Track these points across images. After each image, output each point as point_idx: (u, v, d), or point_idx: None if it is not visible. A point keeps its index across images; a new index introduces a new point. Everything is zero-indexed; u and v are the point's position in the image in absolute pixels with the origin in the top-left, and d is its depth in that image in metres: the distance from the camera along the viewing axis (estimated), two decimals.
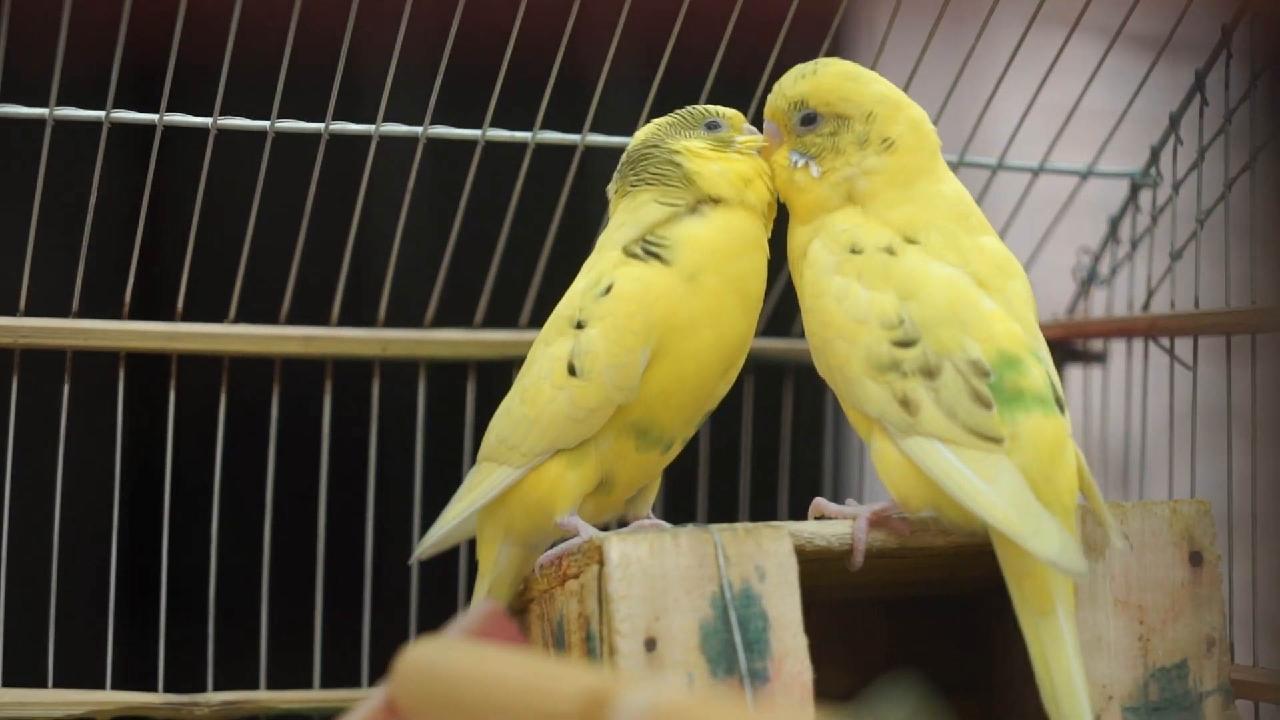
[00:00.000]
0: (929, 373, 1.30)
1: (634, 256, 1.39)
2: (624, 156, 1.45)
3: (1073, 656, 1.27)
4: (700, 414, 1.41)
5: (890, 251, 1.33)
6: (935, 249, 1.34)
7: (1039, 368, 1.32)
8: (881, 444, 1.32)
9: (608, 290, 1.38)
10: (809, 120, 1.37)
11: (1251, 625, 1.49)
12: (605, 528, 1.40)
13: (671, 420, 1.39)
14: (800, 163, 1.38)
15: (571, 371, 1.38)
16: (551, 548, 1.39)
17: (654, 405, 1.38)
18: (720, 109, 1.44)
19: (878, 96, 1.36)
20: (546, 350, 1.41)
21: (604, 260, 1.41)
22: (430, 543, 1.46)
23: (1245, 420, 1.49)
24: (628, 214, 1.42)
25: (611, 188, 1.45)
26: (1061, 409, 1.32)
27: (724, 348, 1.39)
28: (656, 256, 1.38)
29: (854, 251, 1.34)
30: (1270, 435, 1.22)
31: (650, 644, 1.27)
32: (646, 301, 1.37)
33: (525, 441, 1.40)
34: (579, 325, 1.39)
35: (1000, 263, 1.35)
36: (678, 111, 1.44)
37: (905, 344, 1.31)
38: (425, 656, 1.19)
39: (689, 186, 1.41)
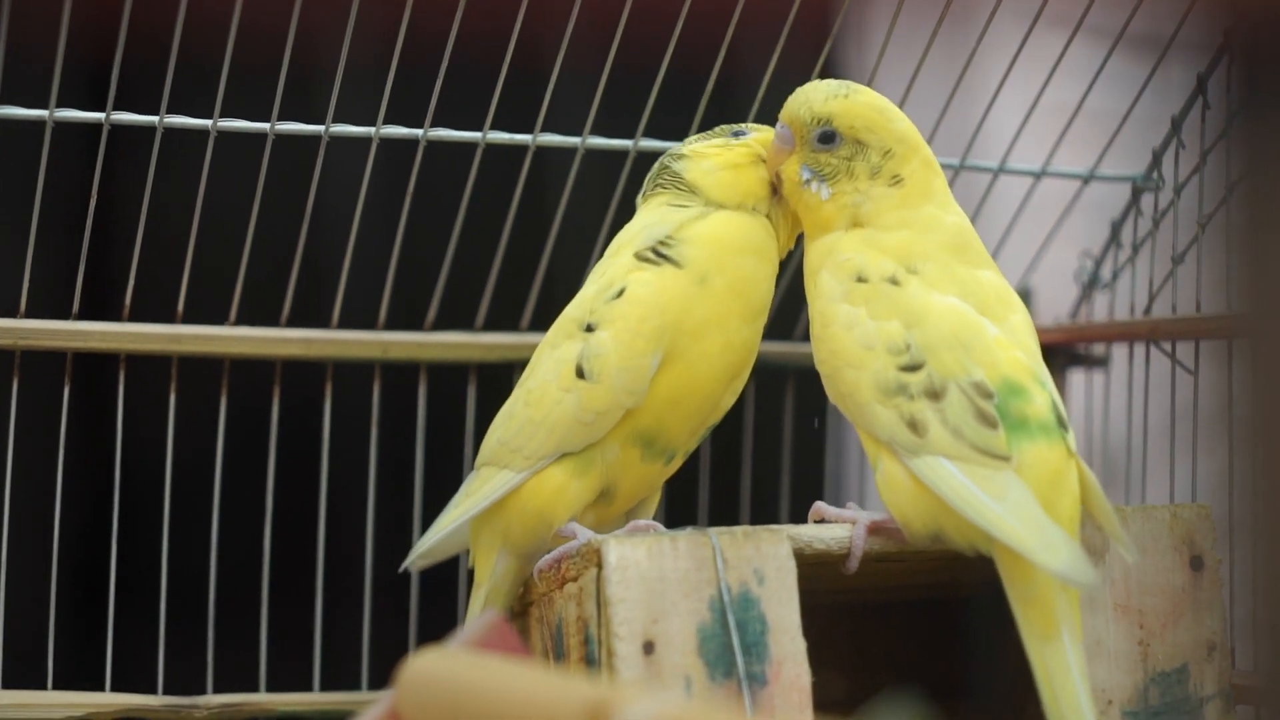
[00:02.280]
0: (934, 394, 1.31)
1: (647, 261, 1.40)
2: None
3: (1079, 680, 1.27)
4: (705, 426, 1.42)
5: (894, 282, 1.35)
6: (933, 280, 1.35)
7: (1043, 394, 1.33)
8: (888, 467, 1.33)
9: (620, 294, 1.39)
10: (828, 138, 1.38)
11: (1253, 629, 1.49)
12: None
13: (678, 429, 1.40)
14: (811, 181, 1.39)
15: (580, 374, 1.38)
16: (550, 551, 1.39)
17: (662, 413, 1.38)
18: (755, 125, 1.46)
19: (899, 135, 1.38)
20: (553, 353, 1.41)
21: (616, 265, 1.41)
22: (424, 548, 1.46)
23: (1247, 424, 1.49)
24: (642, 220, 1.44)
25: (640, 197, 1.48)
26: (1065, 428, 1.32)
27: (731, 354, 1.40)
28: (669, 259, 1.39)
29: (860, 280, 1.36)
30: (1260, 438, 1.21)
31: (648, 647, 1.27)
32: (659, 306, 1.38)
33: (529, 445, 1.40)
34: (589, 329, 1.39)
35: (1000, 295, 1.37)
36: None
37: (911, 368, 1.32)
38: (428, 667, 1.19)
39: (695, 193, 1.43)
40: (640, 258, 1.40)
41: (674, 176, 1.44)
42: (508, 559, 1.42)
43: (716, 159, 1.43)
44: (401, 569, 1.50)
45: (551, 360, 1.41)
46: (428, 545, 1.46)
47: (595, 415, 1.38)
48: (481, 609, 1.43)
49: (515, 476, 1.40)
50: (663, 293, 1.38)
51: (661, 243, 1.40)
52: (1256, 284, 1.00)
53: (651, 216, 1.43)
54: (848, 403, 1.36)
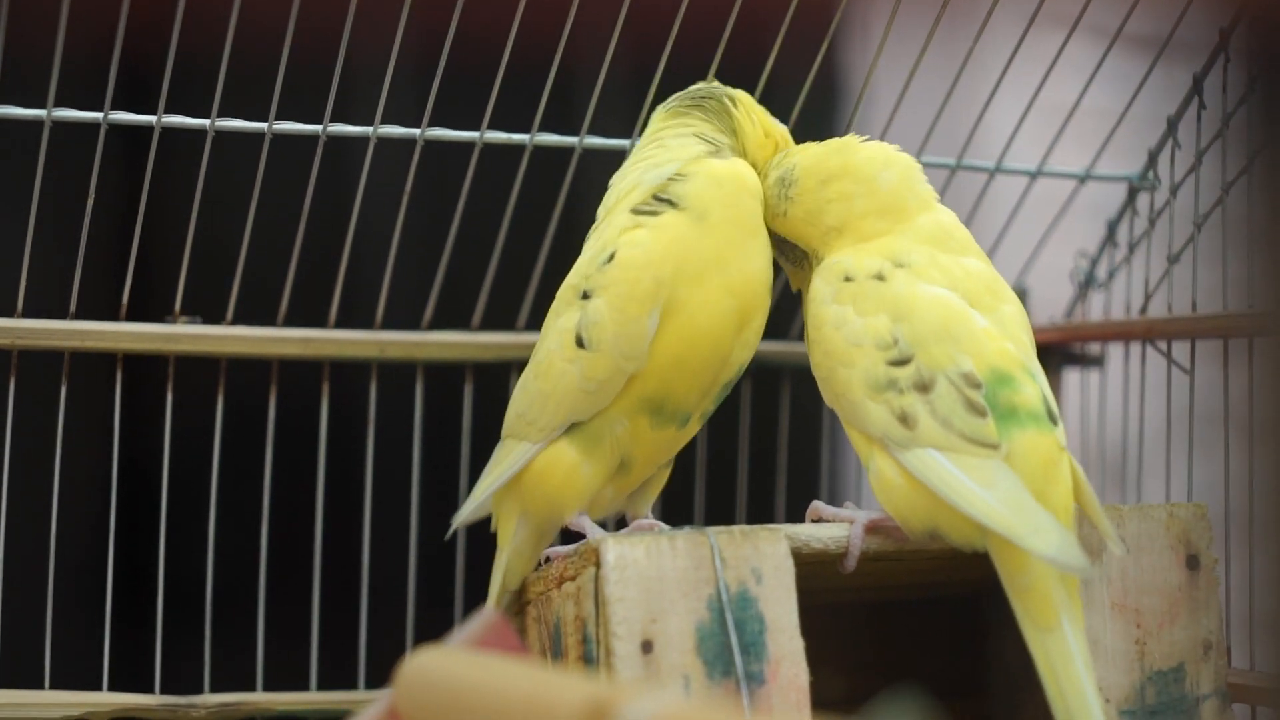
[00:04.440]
0: (923, 387, 1.32)
1: (643, 214, 1.39)
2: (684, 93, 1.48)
3: (1083, 670, 1.28)
4: (718, 384, 1.40)
5: (880, 277, 1.36)
6: (921, 271, 1.36)
7: (1032, 384, 1.33)
8: (881, 465, 1.33)
9: (611, 258, 1.38)
10: (782, 244, 1.44)
11: (1248, 628, 1.49)
12: (606, 525, 1.41)
13: (686, 390, 1.39)
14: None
15: (580, 343, 1.38)
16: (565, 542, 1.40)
17: (668, 375, 1.38)
18: None
19: (836, 223, 1.40)
20: (556, 322, 1.42)
21: (610, 225, 1.41)
22: (464, 516, 1.46)
23: (1242, 423, 1.49)
24: (663, 141, 1.44)
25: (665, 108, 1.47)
26: (1055, 422, 1.33)
27: (733, 297, 1.38)
28: (669, 202, 1.39)
29: (847, 280, 1.37)
30: (1267, 438, 1.22)
31: (647, 646, 1.27)
32: (650, 263, 1.37)
33: (542, 416, 1.40)
34: (585, 295, 1.39)
35: (989, 285, 1.38)
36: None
37: (900, 363, 1.33)
38: (427, 665, 1.19)
39: (732, 137, 1.44)
40: (637, 212, 1.40)
41: (723, 109, 1.45)
42: (526, 528, 1.43)
43: (765, 129, 1.45)
44: (448, 535, 1.50)
45: (555, 330, 1.41)
46: (467, 513, 1.45)
47: (598, 384, 1.38)
48: (503, 573, 1.43)
49: (532, 448, 1.41)
50: (654, 248, 1.38)
51: (670, 180, 1.40)
52: (1266, 284, 1.01)
53: (664, 153, 1.43)
54: (842, 402, 1.36)
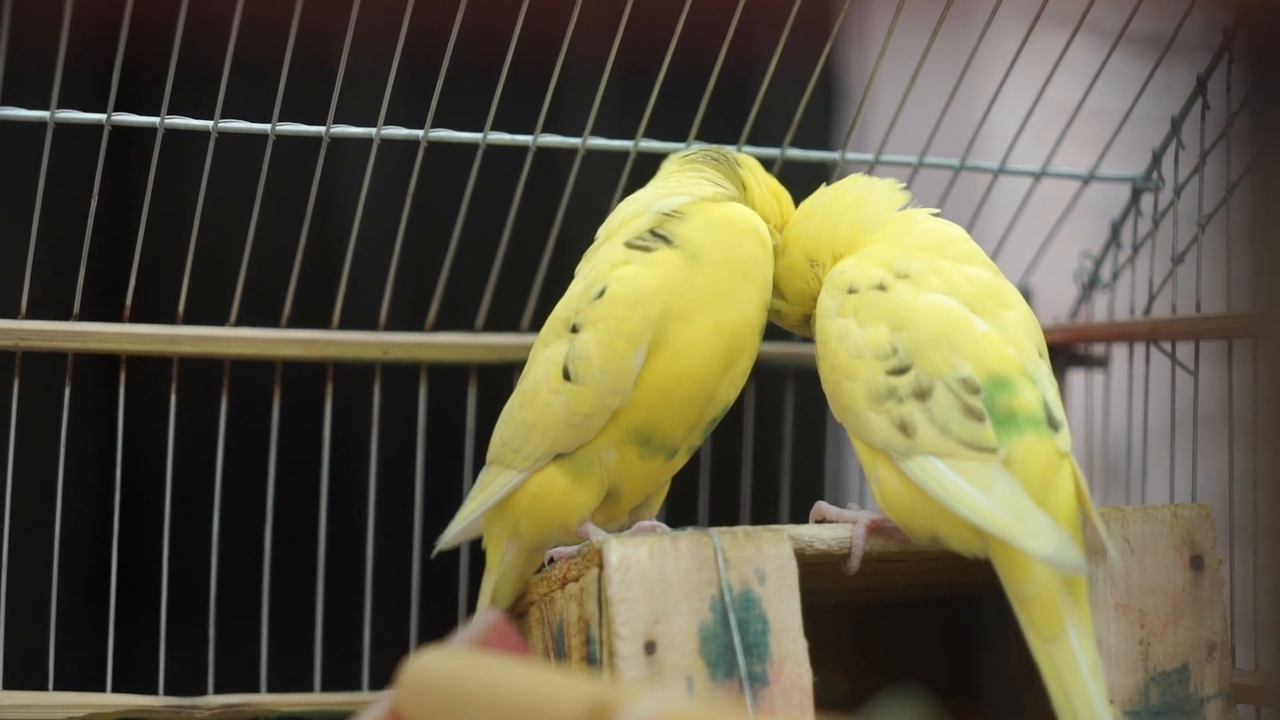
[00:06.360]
0: (921, 394, 1.32)
1: (637, 249, 1.39)
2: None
3: (1089, 678, 1.27)
4: (703, 420, 1.40)
5: (882, 288, 1.36)
6: (922, 279, 1.36)
7: (1033, 389, 1.33)
8: (883, 474, 1.33)
9: (601, 293, 1.38)
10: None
11: (1253, 629, 1.49)
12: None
13: (672, 425, 1.39)
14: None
15: (567, 376, 1.38)
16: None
17: (653, 408, 1.38)
18: None
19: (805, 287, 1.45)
20: (544, 353, 1.42)
21: (604, 257, 1.41)
22: (449, 539, 1.48)
23: (1246, 424, 1.49)
24: (679, 179, 1.44)
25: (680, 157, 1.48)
26: (1056, 428, 1.32)
27: (721, 337, 1.38)
28: (664, 238, 1.39)
29: (850, 292, 1.37)
30: (1266, 438, 1.21)
31: (650, 647, 1.27)
32: (640, 301, 1.37)
33: (526, 446, 1.41)
34: (574, 329, 1.39)
35: (993, 292, 1.37)
36: None
37: (899, 371, 1.33)
38: (430, 666, 1.19)
39: (739, 188, 1.44)
40: (632, 245, 1.40)
41: (731, 170, 1.45)
42: (515, 550, 1.43)
43: (771, 190, 1.47)
44: (433, 554, 1.51)
45: (542, 361, 1.42)
46: (451, 536, 1.47)
47: (583, 417, 1.38)
48: (491, 593, 1.44)
49: (517, 476, 1.41)
50: (645, 286, 1.37)
51: (668, 215, 1.40)
52: (1261, 284, 1.00)
53: (677, 186, 1.43)
54: (848, 415, 1.36)
